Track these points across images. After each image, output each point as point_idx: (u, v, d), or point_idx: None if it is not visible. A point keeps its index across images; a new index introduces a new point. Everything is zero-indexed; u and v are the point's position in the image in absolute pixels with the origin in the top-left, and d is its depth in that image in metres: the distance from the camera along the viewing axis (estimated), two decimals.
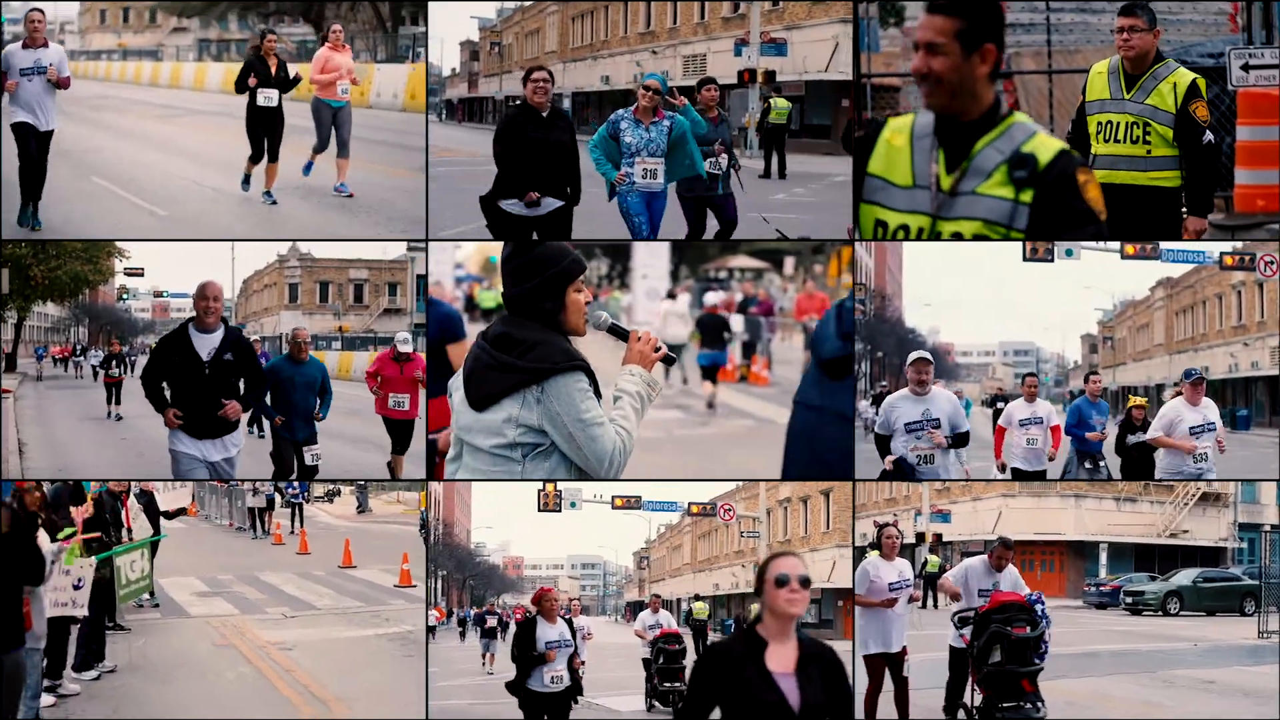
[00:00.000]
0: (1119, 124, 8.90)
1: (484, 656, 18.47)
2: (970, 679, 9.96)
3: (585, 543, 37.61)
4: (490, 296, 29.08)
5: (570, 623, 9.99)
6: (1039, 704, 9.58)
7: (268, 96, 13.95)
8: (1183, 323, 30.29)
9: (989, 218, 4.47)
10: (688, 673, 13.74)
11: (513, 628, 21.63)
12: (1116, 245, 14.80)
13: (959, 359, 35.95)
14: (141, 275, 21.25)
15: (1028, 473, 12.56)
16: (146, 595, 12.18)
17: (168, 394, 9.66)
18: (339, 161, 14.57)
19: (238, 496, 22.01)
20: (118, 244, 18.68)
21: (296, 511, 21.51)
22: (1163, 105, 8.83)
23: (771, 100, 22.18)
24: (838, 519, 24.20)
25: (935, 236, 4.58)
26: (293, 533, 20.79)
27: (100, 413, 17.56)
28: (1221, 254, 15.01)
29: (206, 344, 9.60)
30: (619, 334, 5.56)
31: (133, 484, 11.96)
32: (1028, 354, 40.17)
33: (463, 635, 23.12)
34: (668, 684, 14.18)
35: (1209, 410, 11.24)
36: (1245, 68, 11.64)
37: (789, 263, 34.66)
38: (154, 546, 11.66)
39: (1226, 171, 11.93)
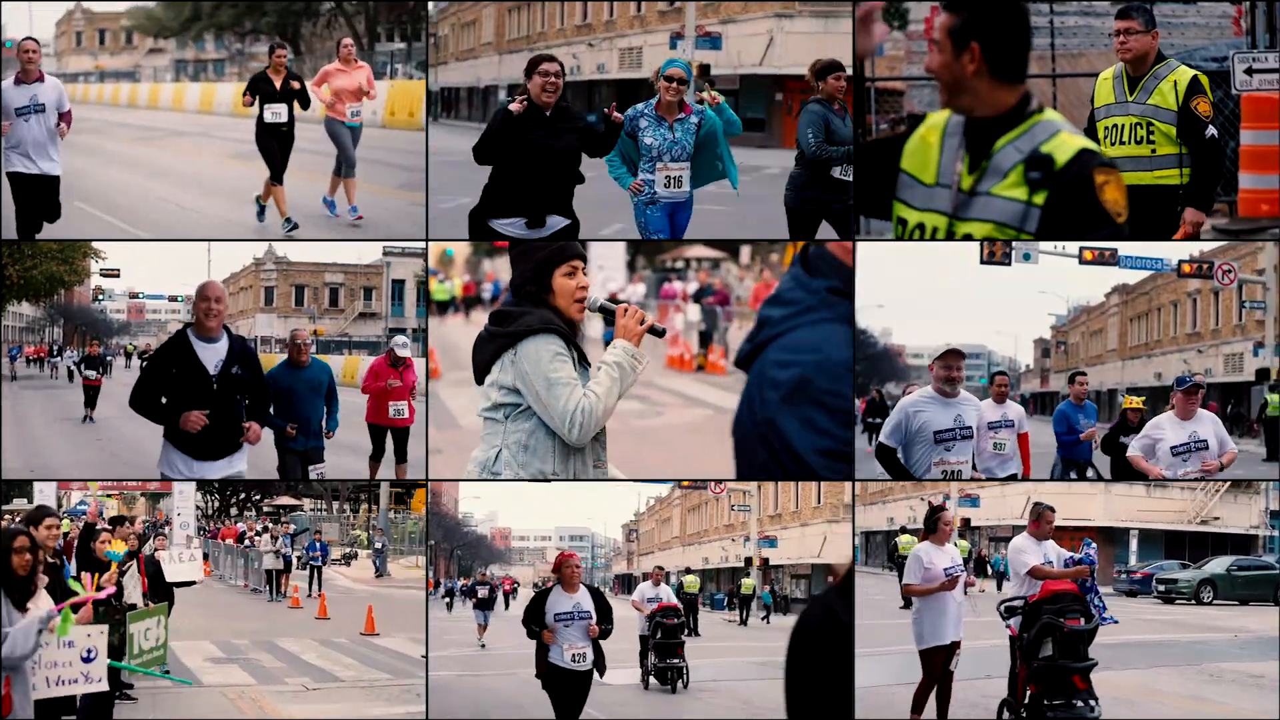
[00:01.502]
0: (1123, 126, 9.06)
1: (479, 629, 18.02)
2: (1019, 674, 9.30)
3: (573, 514, 37.43)
4: (443, 289, 28.87)
5: (597, 591, 9.21)
6: (1092, 702, 8.94)
7: (275, 112, 13.14)
8: (1137, 329, 30.37)
9: (1000, 220, 4.35)
10: (686, 648, 13.71)
11: (504, 596, 21.42)
12: (1075, 250, 14.75)
13: (910, 360, 35.71)
14: (117, 276, 21.14)
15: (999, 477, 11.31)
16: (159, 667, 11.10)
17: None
18: (333, 179, 14.00)
19: (254, 557, 21.28)
20: (93, 245, 18.47)
21: (315, 574, 20.60)
22: (1164, 104, 8.96)
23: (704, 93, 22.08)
24: (829, 493, 24.21)
25: (950, 237, 4.49)
26: (310, 596, 19.84)
27: (75, 414, 17.23)
28: (1180, 261, 14.98)
29: (212, 354, 8.56)
30: (608, 313, 5.92)
31: (145, 544, 11.25)
32: (979, 357, 39.92)
33: (449, 605, 22.95)
34: (667, 661, 13.59)
35: (1201, 424, 9.98)
36: (1249, 71, 11.58)
37: (745, 251, 34.46)
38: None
39: (1230, 176, 11.97)
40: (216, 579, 22.05)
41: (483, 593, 18.29)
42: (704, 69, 25.60)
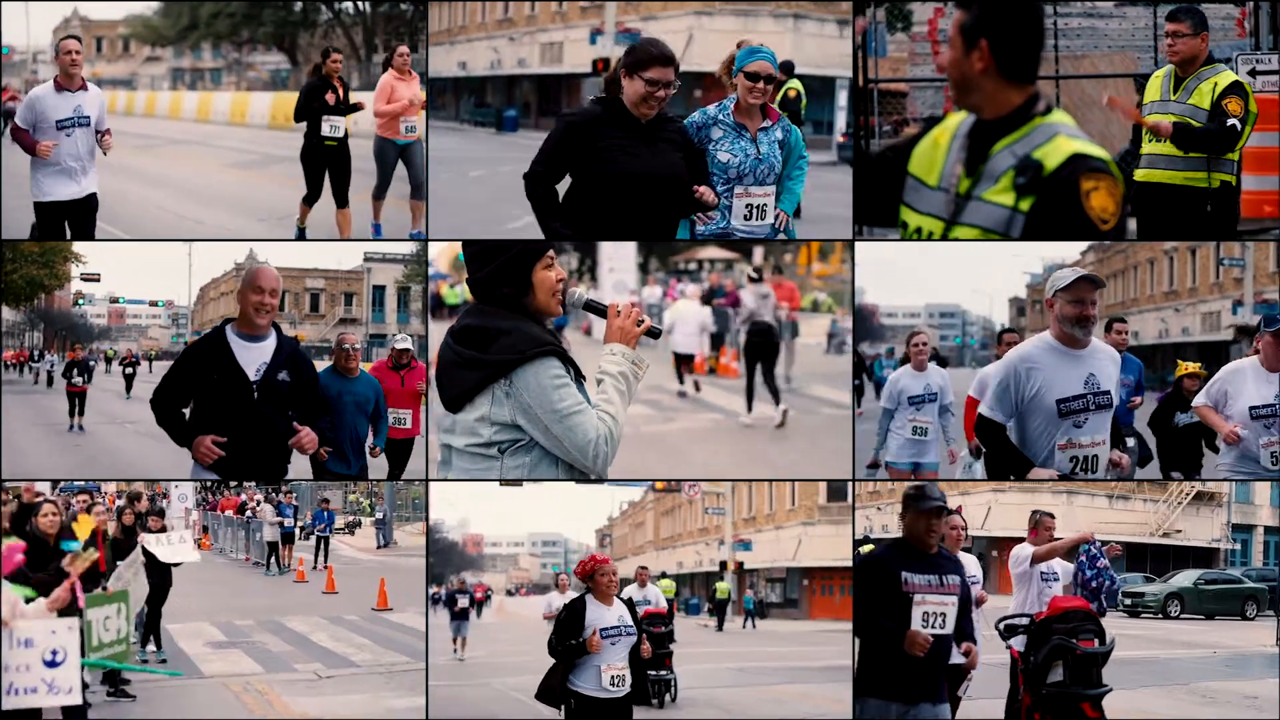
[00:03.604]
0: None
1: (455, 640, 16.36)
2: (1023, 701, 7.82)
3: (546, 520, 36.50)
4: (455, 293, 28.06)
5: (630, 604, 7.34)
6: None
7: (334, 126, 11.24)
8: (1114, 287, 29.72)
9: (986, 225, 4.10)
10: (675, 659, 12.17)
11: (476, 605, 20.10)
12: None
13: (884, 320, 34.85)
14: (98, 280, 20.37)
15: None
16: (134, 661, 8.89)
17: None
18: (413, 203, 12.08)
19: (255, 529, 19.45)
20: (74, 249, 17.52)
21: (322, 545, 18.72)
22: (1202, 104, 8.71)
23: None
24: (804, 495, 23.90)
25: (944, 241, 4.24)
26: (316, 568, 18.09)
27: (55, 419, 16.10)
28: None
29: (254, 356, 6.72)
30: (596, 310, 4.94)
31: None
32: (954, 316, 39.06)
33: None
34: (652, 673, 11.89)
35: None
36: (1253, 73, 11.33)
37: (758, 252, 33.62)
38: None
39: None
40: (216, 553, 20.55)
41: (462, 602, 16.53)
42: None
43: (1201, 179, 8.69)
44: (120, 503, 10.56)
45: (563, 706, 7.06)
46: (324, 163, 11.37)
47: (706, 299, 22.54)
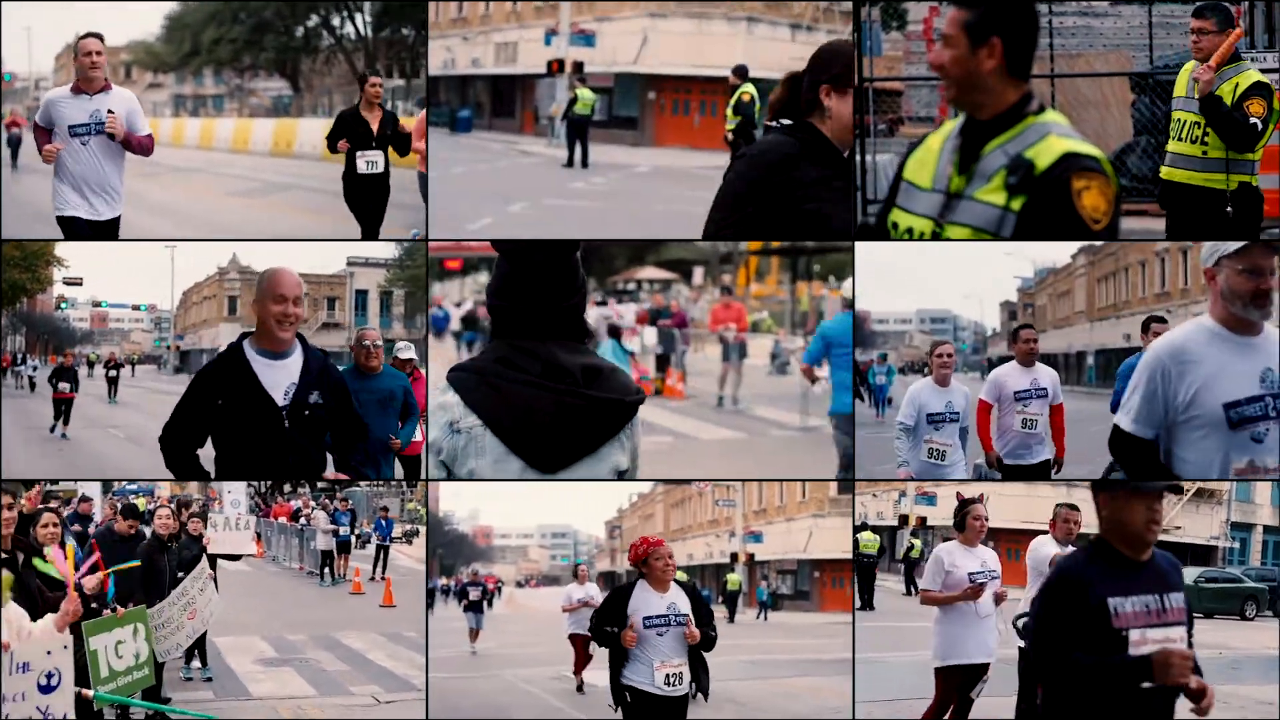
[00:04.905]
0: (1185, 122, 8.46)
1: (471, 633, 15.65)
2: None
3: (555, 512, 35.82)
4: None
5: (692, 588, 6.58)
6: None
7: (370, 161, 10.16)
8: (1105, 290, 29.20)
9: (977, 225, 3.98)
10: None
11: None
12: None
13: (875, 326, 34.22)
14: (80, 285, 19.99)
15: (1024, 469, 8.55)
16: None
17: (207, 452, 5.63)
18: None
19: (309, 537, 18.34)
20: (57, 253, 17.00)
21: (381, 555, 17.58)
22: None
23: (577, 91, 21.12)
24: (814, 487, 23.33)
25: (935, 240, 4.07)
26: (374, 579, 17.05)
27: (39, 422, 15.42)
28: None
29: (281, 377, 5.52)
30: None
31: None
32: (945, 322, 38.47)
33: (430, 605, 21.04)
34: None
35: None
36: None
37: (698, 272, 33.06)
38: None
39: None
40: (269, 561, 19.56)
41: (475, 594, 15.71)
42: (578, 66, 24.48)
43: (1220, 180, 8.33)
44: (172, 507, 9.74)
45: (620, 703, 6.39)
46: (363, 197, 10.37)
47: (651, 319, 22.15)
